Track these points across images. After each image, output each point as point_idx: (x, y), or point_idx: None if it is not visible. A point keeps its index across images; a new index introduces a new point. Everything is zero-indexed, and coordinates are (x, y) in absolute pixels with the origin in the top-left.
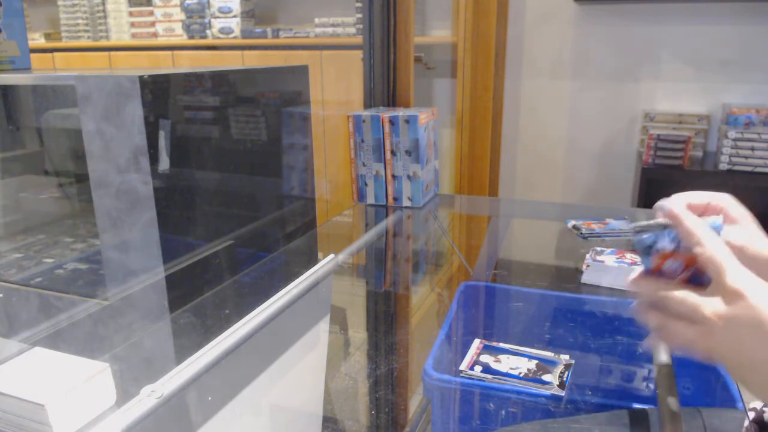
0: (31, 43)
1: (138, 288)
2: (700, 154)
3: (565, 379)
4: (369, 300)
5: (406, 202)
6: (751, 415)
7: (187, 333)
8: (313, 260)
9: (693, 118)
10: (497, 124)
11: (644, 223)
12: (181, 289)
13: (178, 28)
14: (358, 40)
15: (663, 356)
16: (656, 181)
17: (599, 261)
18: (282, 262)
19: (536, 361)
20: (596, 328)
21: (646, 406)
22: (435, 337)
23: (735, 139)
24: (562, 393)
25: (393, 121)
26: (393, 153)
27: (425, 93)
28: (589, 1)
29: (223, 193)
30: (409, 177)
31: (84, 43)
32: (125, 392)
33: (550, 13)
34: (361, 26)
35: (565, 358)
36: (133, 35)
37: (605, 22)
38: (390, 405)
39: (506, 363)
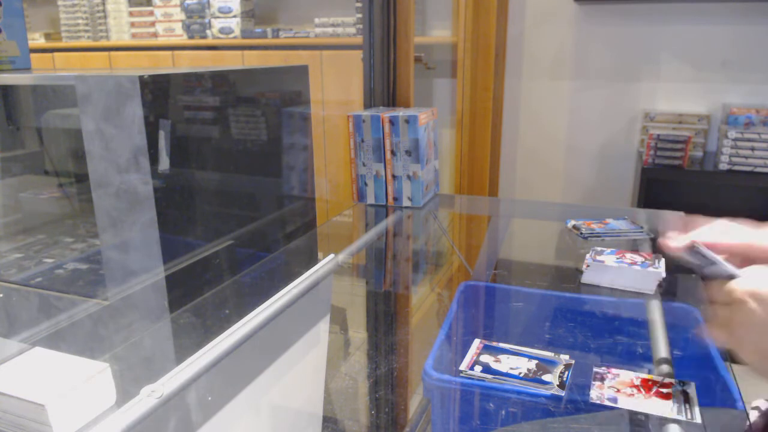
0: (31, 43)
1: (138, 288)
2: (700, 154)
3: (565, 379)
4: (369, 300)
5: (406, 202)
6: (754, 413)
7: (187, 333)
8: (313, 260)
9: (693, 118)
10: (497, 124)
11: None
12: (181, 289)
13: (178, 28)
14: (358, 40)
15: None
16: (656, 181)
17: (599, 261)
18: (282, 262)
19: (536, 361)
20: (596, 328)
21: None
22: (435, 337)
23: (735, 139)
24: (562, 393)
25: (393, 121)
26: (393, 153)
27: (425, 93)
28: (589, 1)
29: (223, 193)
30: (409, 177)
31: (84, 43)
32: (125, 392)
33: (550, 13)
34: (361, 26)
35: (565, 358)
36: (133, 35)
37: (605, 22)
38: (390, 405)
39: (506, 363)
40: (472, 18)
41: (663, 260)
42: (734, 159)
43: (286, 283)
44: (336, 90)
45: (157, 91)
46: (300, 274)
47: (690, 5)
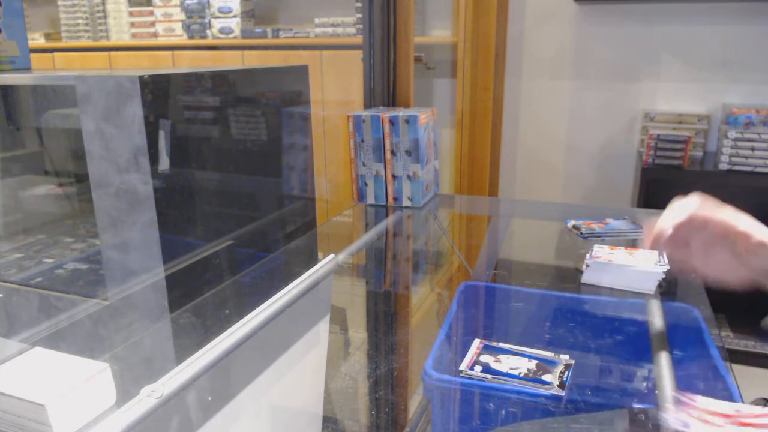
0: (31, 43)
1: (138, 288)
2: (700, 154)
3: (565, 379)
4: (369, 300)
5: (406, 202)
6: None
7: (187, 333)
8: (313, 260)
9: (693, 118)
10: (497, 124)
11: None
12: (181, 289)
13: (178, 28)
14: (358, 40)
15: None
16: (656, 181)
17: (599, 261)
18: (282, 262)
19: (536, 361)
20: (596, 328)
21: (646, 406)
22: (435, 337)
23: (735, 139)
24: (562, 393)
25: (393, 121)
26: (393, 153)
27: (425, 93)
28: (589, 1)
29: (223, 193)
30: (409, 177)
31: (84, 43)
32: (125, 392)
33: (550, 13)
34: (361, 26)
35: (565, 358)
36: (133, 35)
37: (605, 22)
38: (390, 405)
39: (506, 363)
40: (472, 18)
41: (664, 259)
42: (734, 159)
43: (286, 283)
44: (336, 90)
45: (157, 91)
46: (300, 274)
47: (690, 5)
